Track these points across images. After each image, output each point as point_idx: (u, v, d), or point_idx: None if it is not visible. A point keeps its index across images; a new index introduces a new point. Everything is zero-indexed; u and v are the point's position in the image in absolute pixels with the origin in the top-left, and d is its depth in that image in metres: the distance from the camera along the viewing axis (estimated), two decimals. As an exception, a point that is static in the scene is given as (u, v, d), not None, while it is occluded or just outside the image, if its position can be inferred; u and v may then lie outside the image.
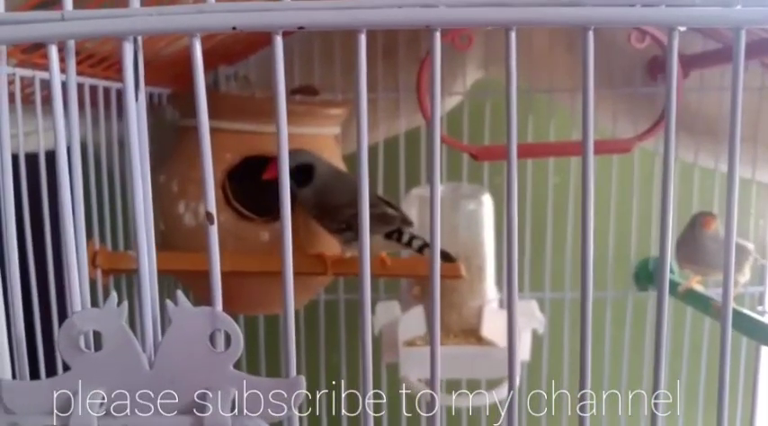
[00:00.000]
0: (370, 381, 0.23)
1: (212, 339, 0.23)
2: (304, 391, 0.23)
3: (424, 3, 0.21)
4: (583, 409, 0.24)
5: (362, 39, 0.22)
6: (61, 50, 0.23)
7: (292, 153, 0.55)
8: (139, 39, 0.22)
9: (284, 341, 0.23)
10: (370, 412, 0.24)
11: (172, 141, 0.62)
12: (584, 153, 0.22)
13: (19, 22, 0.22)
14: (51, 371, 0.46)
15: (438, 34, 0.22)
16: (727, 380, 0.24)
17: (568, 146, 0.60)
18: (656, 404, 0.24)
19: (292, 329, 0.23)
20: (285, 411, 0.23)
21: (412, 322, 0.62)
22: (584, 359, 0.24)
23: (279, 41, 0.22)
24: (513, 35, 0.22)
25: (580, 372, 0.24)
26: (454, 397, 0.65)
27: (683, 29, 0.22)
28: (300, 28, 0.21)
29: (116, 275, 0.58)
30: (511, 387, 0.24)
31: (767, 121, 0.73)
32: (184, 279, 0.65)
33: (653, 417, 0.24)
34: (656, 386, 0.24)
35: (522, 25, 0.21)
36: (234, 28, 0.21)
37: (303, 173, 0.55)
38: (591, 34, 0.22)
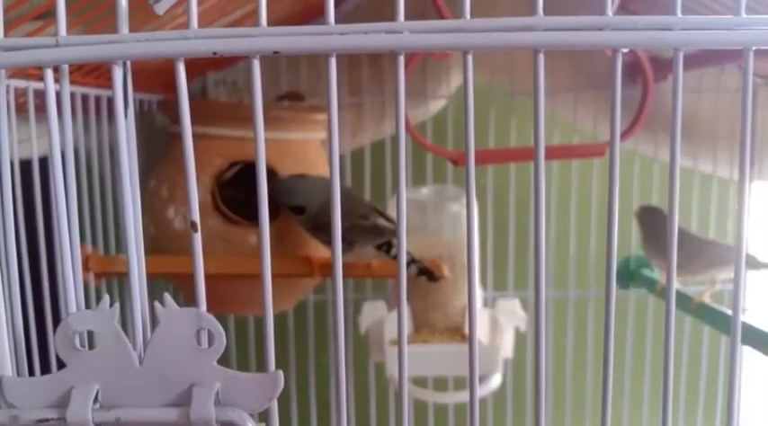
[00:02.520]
0: (343, 386, 0.25)
1: (198, 337, 0.25)
2: (282, 385, 0.25)
3: (389, 29, 0.23)
4: (538, 407, 0.26)
5: (332, 62, 0.24)
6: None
7: (286, 188, 0.57)
8: (128, 62, 0.24)
9: (264, 339, 0.25)
10: (344, 411, 0.26)
11: (161, 147, 0.64)
12: (535, 161, 0.24)
13: (16, 49, 0.24)
14: (45, 368, 0.48)
15: (402, 58, 0.24)
16: (671, 370, 0.26)
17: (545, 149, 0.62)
18: (604, 402, 0.26)
19: (271, 327, 0.25)
20: (265, 403, 0.25)
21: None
22: (540, 359, 0.26)
23: (256, 65, 0.24)
24: (470, 58, 0.24)
25: (535, 373, 0.26)
26: (430, 393, 0.67)
27: (626, 50, 0.24)
28: (276, 53, 0.23)
29: (108, 278, 0.60)
30: (472, 382, 0.26)
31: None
32: (175, 282, 0.67)
33: (602, 414, 0.26)
34: (605, 385, 0.26)
35: (479, 50, 0.24)
36: (215, 53, 0.23)
37: (297, 208, 0.58)
38: (542, 56, 0.24)
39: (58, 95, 0.25)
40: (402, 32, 0.23)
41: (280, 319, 0.77)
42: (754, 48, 0.25)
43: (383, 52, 0.23)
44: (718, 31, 0.24)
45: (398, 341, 0.25)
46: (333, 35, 0.23)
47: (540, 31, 0.24)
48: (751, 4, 0.50)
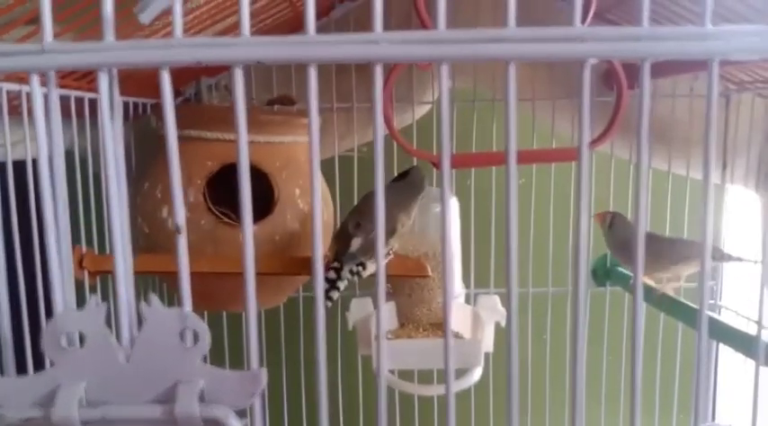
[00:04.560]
0: (323, 379, 0.26)
1: (183, 335, 0.26)
2: (265, 382, 0.26)
3: (367, 40, 0.24)
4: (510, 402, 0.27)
5: (312, 72, 0.25)
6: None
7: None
8: (114, 69, 0.25)
9: (247, 336, 0.26)
10: (324, 401, 0.27)
11: (156, 149, 0.64)
12: (507, 165, 0.25)
13: (3, 55, 0.25)
14: (39, 365, 0.48)
15: (379, 68, 0.25)
16: (640, 363, 0.27)
17: (518, 154, 0.64)
18: (574, 399, 0.27)
19: (254, 325, 0.26)
20: (249, 399, 0.26)
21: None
22: (512, 352, 0.27)
23: (239, 74, 0.25)
24: (444, 69, 0.25)
25: (507, 365, 0.27)
26: (415, 386, 0.68)
27: (594, 61, 0.25)
28: (258, 62, 0.24)
29: (103, 276, 0.61)
30: (447, 377, 0.27)
31: (720, 126, 0.77)
32: (168, 280, 0.68)
33: (573, 410, 0.27)
34: (574, 377, 0.27)
35: (453, 61, 0.24)
36: (198, 62, 0.24)
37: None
38: (513, 67, 0.25)
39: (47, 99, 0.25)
40: (379, 43, 0.24)
41: (271, 315, 0.78)
42: (718, 58, 0.26)
43: (361, 62, 0.24)
44: (684, 42, 0.25)
45: (378, 339, 0.26)
46: (313, 45, 0.24)
47: (512, 42, 0.25)
48: (721, 11, 0.52)
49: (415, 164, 0.76)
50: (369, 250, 0.57)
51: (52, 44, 0.25)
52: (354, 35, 0.24)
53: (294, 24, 0.66)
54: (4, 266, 0.29)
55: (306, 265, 0.60)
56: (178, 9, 0.25)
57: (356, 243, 0.57)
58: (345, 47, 0.24)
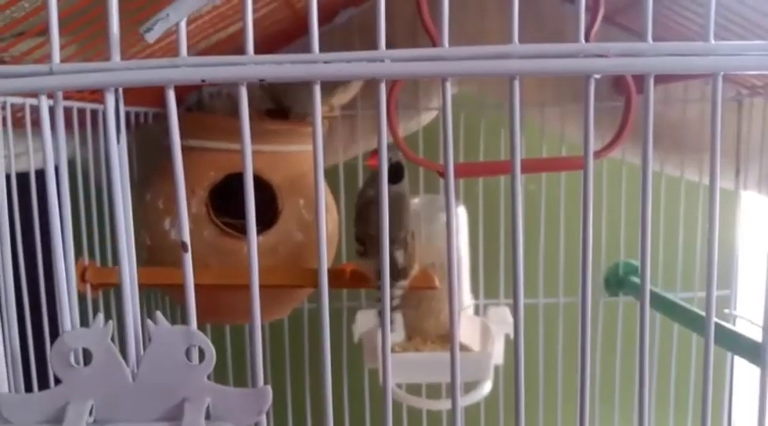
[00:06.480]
0: (329, 387, 0.26)
1: (189, 353, 0.26)
2: (270, 399, 0.26)
3: (371, 57, 0.24)
4: (518, 410, 0.27)
5: (317, 89, 0.25)
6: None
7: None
8: (120, 89, 0.25)
9: (251, 354, 0.26)
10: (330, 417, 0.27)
11: (157, 159, 0.65)
12: (512, 178, 0.26)
13: (12, 76, 0.25)
14: (43, 381, 0.48)
15: (383, 85, 0.25)
16: (647, 373, 0.27)
17: (524, 163, 0.63)
18: (581, 405, 0.27)
19: (259, 342, 0.26)
20: (255, 417, 0.26)
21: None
22: (519, 365, 0.27)
23: (243, 91, 0.25)
24: (448, 85, 0.25)
25: (515, 378, 0.27)
26: (423, 401, 0.68)
27: (598, 76, 0.26)
28: (261, 80, 0.24)
29: (105, 289, 0.61)
30: (454, 388, 0.27)
31: (732, 131, 0.76)
32: (171, 292, 0.68)
33: (581, 415, 0.27)
34: (582, 389, 0.27)
35: (457, 77, 0.25)
36: (203, 81, 0.24)
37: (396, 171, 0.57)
38: (517, 83, 0.25)
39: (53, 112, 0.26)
40: (383, 61, 0.24)
41: (275, 327, 0.78)
42: (722, 73, 0.26)
43: (366, 79, 0.24)
44: (688, 57, 0.25)
45: (382, 353, 0.26)
46: (317, 63, 0.24)
47: (516, 58, 0.25)
48: (722, 19, 0.51)
49: (422, 171, 0.75)
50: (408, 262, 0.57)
51: (60, 65, 0.25)
52: (359, 53, 0.24)
53: (297, 30, 0.66)
54: (12, 282, 0.29)
55: (311, 277, 0.60)
56: (183, 29, 0.25)
57: (400, 256, 0.56)
58: (350, 65, 0.24)
